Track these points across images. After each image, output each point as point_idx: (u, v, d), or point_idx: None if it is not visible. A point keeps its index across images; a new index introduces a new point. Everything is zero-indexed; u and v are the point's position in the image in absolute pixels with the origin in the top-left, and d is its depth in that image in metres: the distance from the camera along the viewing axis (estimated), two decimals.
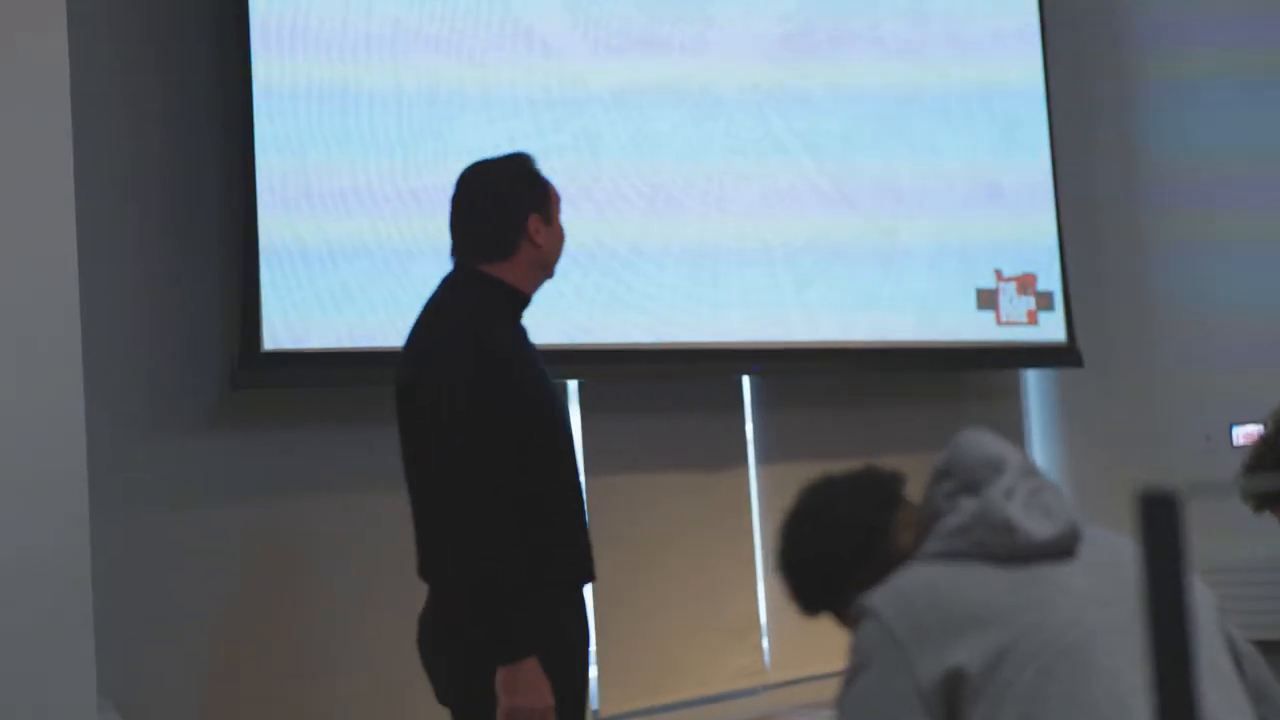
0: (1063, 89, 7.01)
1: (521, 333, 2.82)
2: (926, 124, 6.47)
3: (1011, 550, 1.78)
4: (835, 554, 1.96)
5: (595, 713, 5.57)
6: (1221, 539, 5.59)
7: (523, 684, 2.70)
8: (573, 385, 5.69)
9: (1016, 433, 7.17)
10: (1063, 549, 1.82)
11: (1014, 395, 7.20)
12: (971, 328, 6.53)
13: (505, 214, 2.81)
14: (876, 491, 2.02)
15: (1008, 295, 6.66)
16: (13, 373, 3.37)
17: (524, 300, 2.86)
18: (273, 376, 4.85)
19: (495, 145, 5.29)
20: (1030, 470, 1.89)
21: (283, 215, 4.87)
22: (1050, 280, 6.80)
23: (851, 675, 1.78)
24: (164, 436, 4.80)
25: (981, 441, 1.91)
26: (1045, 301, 6.78)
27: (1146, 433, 7.04)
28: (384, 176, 5.06)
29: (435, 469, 2.69)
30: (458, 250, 2.86)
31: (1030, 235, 6.77)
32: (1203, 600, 1.90)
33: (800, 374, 6.18)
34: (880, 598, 1.79)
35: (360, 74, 5.08)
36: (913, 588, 1.79)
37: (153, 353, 4.80)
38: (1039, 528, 1.80)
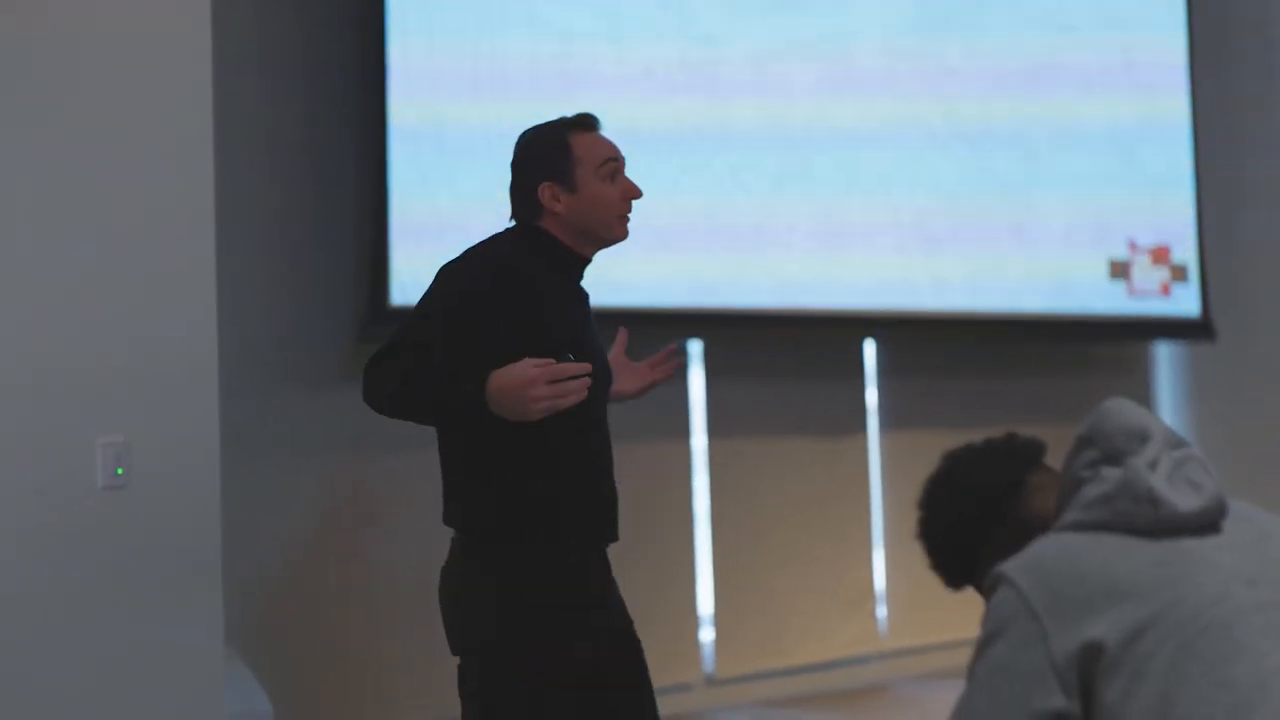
0: (1207, 57, 6.85)
1: (558, 281, 2.77)
2: (1066, 92, 6.36)
3: (1154, 522, 1.74)
4: (968, 515, 1.93)
5: (710, 674, 5.58)
6: None
7: (504, 391, 2.54)
8: (696, 346, 5.68)
9: (1145, 406, 7.03)
10: (1208, 523, 1.77)
11: (1143, 369, 7.07)
12: (1103, 299, 6.42)
13: (518, 183, 2.82)
14: (1013, 454, 1.98)
15: (1141, 266, 6.53)
16: (152, 325, 3.44)
17: (575, 258, 2.81)
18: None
19: (625, 80, 5.30)
20: (1176, 442, 1.84)
21: (414, 171, 4.90)
22: (1185, 252, 6.66)
23: (984, 644, 1.74)
24: (295, 387, 4.87)
25: (1125, 411, 1.86)
26: (1180, 274, 6.64)
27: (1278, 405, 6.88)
28: (513, 123, 5.08)
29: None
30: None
31: (1167, 206, 6.63)
32: None
33: (925, 342, 6.12)
34: (1017, 566, 1.76)
35: (495, 37, 5.10)
36: (1051, 557, 1.75)
37: (287, 306, 4.87)
38: (1184, 500, 1.76)
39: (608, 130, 2.91)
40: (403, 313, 4.86)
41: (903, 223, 5.92)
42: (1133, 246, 6.51)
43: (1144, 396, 7.05)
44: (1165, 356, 7.17)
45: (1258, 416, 6.90)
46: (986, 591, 1.80)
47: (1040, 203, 6.27)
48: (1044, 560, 1.76)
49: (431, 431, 2.77)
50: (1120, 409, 1.86)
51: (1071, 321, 6.33)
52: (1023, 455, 1.99)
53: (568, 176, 2.78)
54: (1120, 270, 6.47)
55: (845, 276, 5.78)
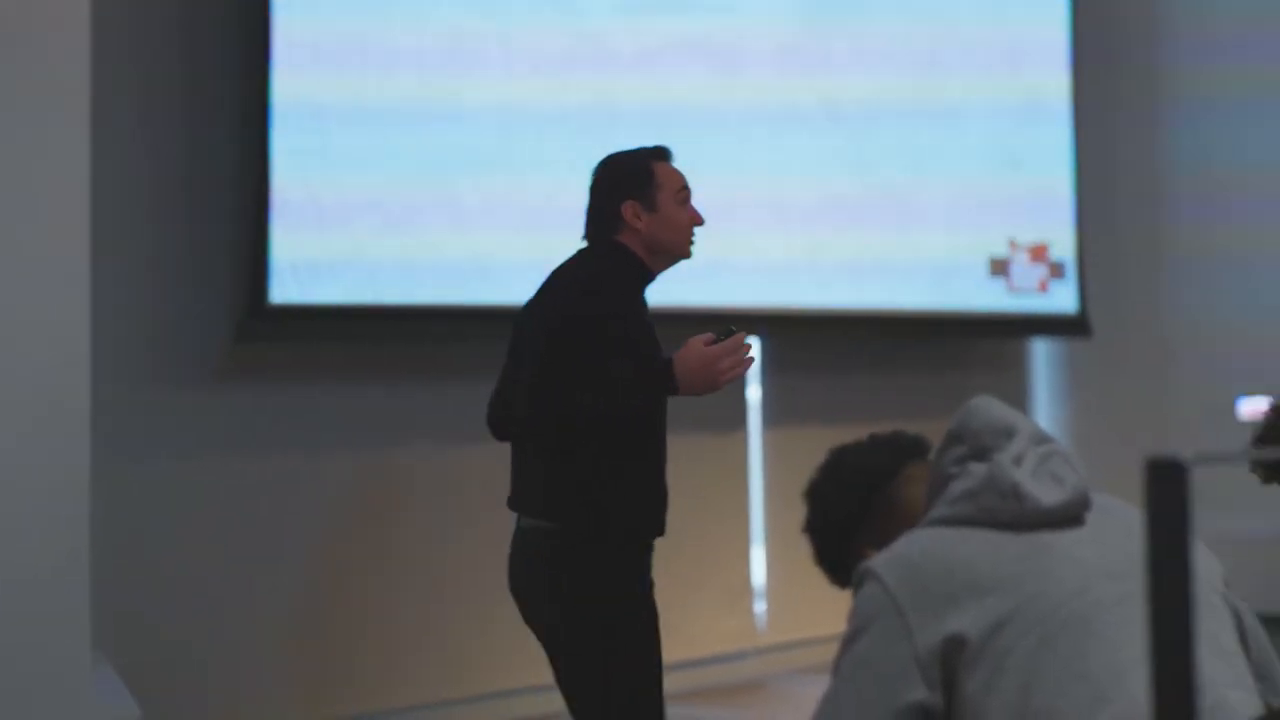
0: (1087, 58, 6.95)
1: (635, 296, 3.15)
2: (948, 91, 6.43)
3: (1018, 517, 1.76)
4: (846, 508, 1.94)
5: None
6: (1231, 510, 5.57)
7: (693, 371, 2.97)
8: None
9: (1021, 402, 7.14)
10: (1071, 517, 1.79)
11: (1021, 365, 7.18)
12: (983, 296, 6.50)
13: (599, 201, 3.22)
14: (894, 446, 2.00)
15: (1020, 264, 6.62)
16: (21, 325, 3.36)
17: (648, 274, 3.19)
18: (278, 330, 4.84)
19: (511, 103, 5.28)
20: (1041, 437, 1.86)
21: (296, 166, 4.84)
22: (1064, 249, 6.76)
23: (850, 639, 1.75)
24: (170, 388, 4.79)
25: (992, 408, 1.88)
26: (1058, 271, 6.74)
27: (1153, 404, 7.01)
28: (399, 135, 5.03)
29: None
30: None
31: (1046, 205, 6.72)
32: (1209, 572, 1.88)
33: (808, 338, 6.16)
34: (883, 561, 1.77)
35: (380, 28, 5.05)
36: (916, 552, 1.76)
37: (160, 306, 4.79)
38: (1047, 494, 1.78)
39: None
40: (282, 310, 4.80)
41: (787, 219, 5.95)
42: (1012, 244, 6.60)
43: (1022, 392, 7.16)
44: (1043, 353, 7.28)
45: (1132, 411, 7.03)
46: (854, 587, 1.81)
47: (922, 200, 6.34)
48: (910, 555, 1.77)
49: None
50: (987, 406, 1.88)
51: (952, 318, 6.40)
52: (904, 448, 2.01)
53: (650, 198, 3.18)
54: (1000, 268, 6.55)
55: (729, 272, 5.79)
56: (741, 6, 5.91)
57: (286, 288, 4.82)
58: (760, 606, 6.01)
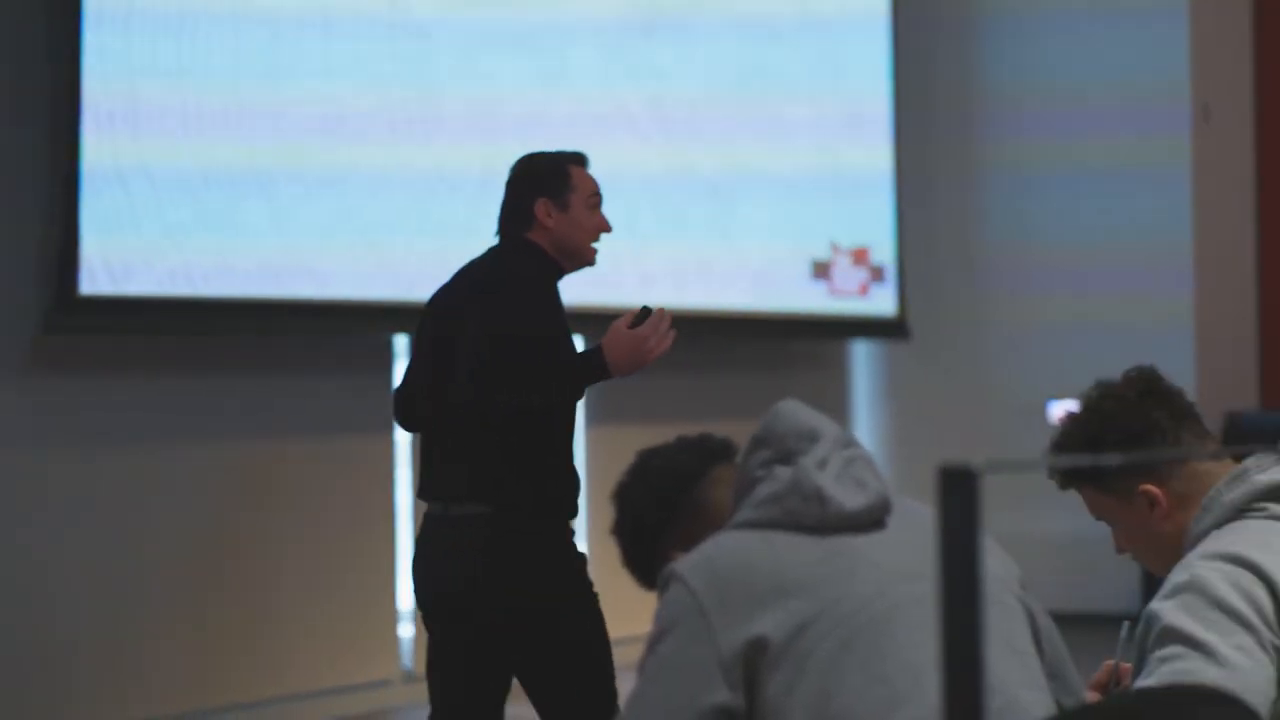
0: (909, 70, 7.08)
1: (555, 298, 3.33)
2: (771, 94, 6.50)
3: (821, 520, 1.78)
4: (649, 506, 1.95)
5: (409, 670, 5.53)
6: (1033, 510, 5.73)
7: (623, 352, 3.17)
8: (402, 341, 5.62)
9: (841, 403, 7.26)
10: (873, 520, 1.82)
11: (841, 366, 7.29)
12: (804, 298, 6.58)
13: (513, 198, 3.34)
14: (701, 448, 2.01)
15: (842, 267, 6.73)
16: None
17: (559, 271, 3.35)
18: (88, 322, 4.72)
19: (331, 100, 5.22)
20: (846, 441, 1.89)
21: (109, 153, 4.72)
22: (884, 254, 6.88)
23: (655, 641, 1.76)
24: None
25: (798, 412, 1.90)
26: (878, 274, 6.87)
27: (969, 406, 7.17)
28: (215, 110, 4.94)
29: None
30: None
31: (867, 209, 6.84)
32: (1005, 574, 1.92)
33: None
34: (688, 564, 1.78)
35: (195, 20, 4.94)
36: (720, 555, 1.78)
37: None
38: (850, 498, 1.81)
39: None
40: (92, 302, 4.68)
41: (610, 219, 5.95)
42: (834, 247, 6.70)
43: (841, 393, 7.27)
44: (863, 355, 7.40)
45: (949, 413, 7.18)
46: (659, 589, 1.82)
47: (745, 202, 6.40)
48: (714, 558, 1.79)
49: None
50: (793, 410, 1.90)
51: (774, 320, 6.48)
52: (711, 451, 2.02)
53: (563, 198, 3.29)
54: (822, 270, 6.65)
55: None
56: (568, 7, 5.90)
57: (97, 279, 4.69)
58: None
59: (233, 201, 4.99)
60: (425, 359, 3.32)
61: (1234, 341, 7.41)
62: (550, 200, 3.28)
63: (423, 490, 3.30)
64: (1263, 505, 2.09)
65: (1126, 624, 2.16)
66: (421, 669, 5.52)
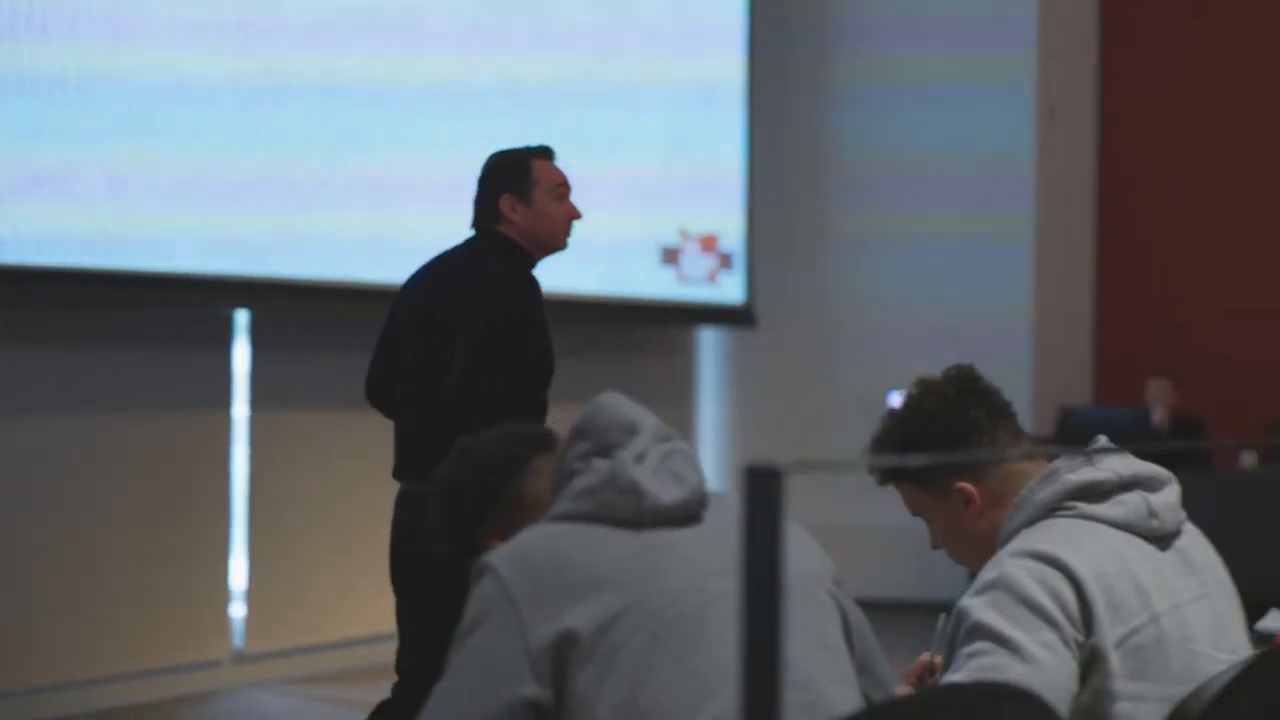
0: (763, 69, 7.11)
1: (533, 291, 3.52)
2: (624, 75, 6.48)
3: (637, 514, 1.78)
4: (468, 495, 1.94)
5: (239, 650, 5.45)
6: (854, 502, 5.81)
7: None
8: (243, 316, 5.53)
9: (687, 390, 7.29)
10: (689, 515, 1.82)
11: (689, 352, 7.33)
12: (653, 284, 6.60)
13: (482, 194, 3.53)
14: (522, 438, 2.00)
15: (691, 254, 6.75)
16: None
17: (531, 261, 3.54)
18: None
19: (174, 71, 5.09)
20: (665, 435, 1.89)
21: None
22: (733, 241, 6.92)
23: (465, 632, 1.75)
24: None
25: (618, 404, 1.89)
26: (726, 262, 6.90)
27: (814, 393, 7.25)
28: (54, 100, 4.81)
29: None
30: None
31: (718, 197, 6.87)
32: (819, 570, 1.94)
33: None
34: (500, 555, 1.77)
35: None
36: (534, 547, 1.77)
37: None
38: (667, 492, 1.81)
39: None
40: None
41: (463, 198, 5.91)
42: (683, 234, 6.72)
43: (689, 380, 7.31)
44: (710, 341, 7.44)
45: (793, 400, 7.26)
46: (472, 580, 1.81)
47: (594, 187, 6.37)
48: (528, 550, 1.78)
49: None
50: (612, 403, 1.89)
51: (622, 305, 6.48)
52: (533, 441, 2.01)
53: (526, 192, 3.47)
54: (671, 257, 6.67)
55: (402, 249, 5.73)
56: None
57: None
58: None
59: (67, 173, 4.86)
60: (397, 344, 3.49)
61: (1070, 340, 7.58)
62: (514, 195, 3.48)
63: (396, 470, 3.45)
64: (1072, 504, 2.13)
65: (943, 616, 2.19)
66: (252, 649, 5.49)
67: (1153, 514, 2.13)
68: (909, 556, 6.64)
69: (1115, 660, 2.02)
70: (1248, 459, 6.98)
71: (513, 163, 3.55)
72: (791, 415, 7.18)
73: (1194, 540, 2.21)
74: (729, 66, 6.93)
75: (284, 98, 5.37)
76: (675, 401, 7.18)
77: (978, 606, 2.03)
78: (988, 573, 2.07)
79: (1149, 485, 2.16)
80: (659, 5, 6.66)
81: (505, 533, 1.88)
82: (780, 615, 1.33)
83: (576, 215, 3.56)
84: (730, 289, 6.93)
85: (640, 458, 1.83)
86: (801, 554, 1.92)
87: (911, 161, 7.18)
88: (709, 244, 6.82)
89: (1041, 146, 7.16)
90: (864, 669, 1.95)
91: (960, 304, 7.07)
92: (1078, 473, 2.14)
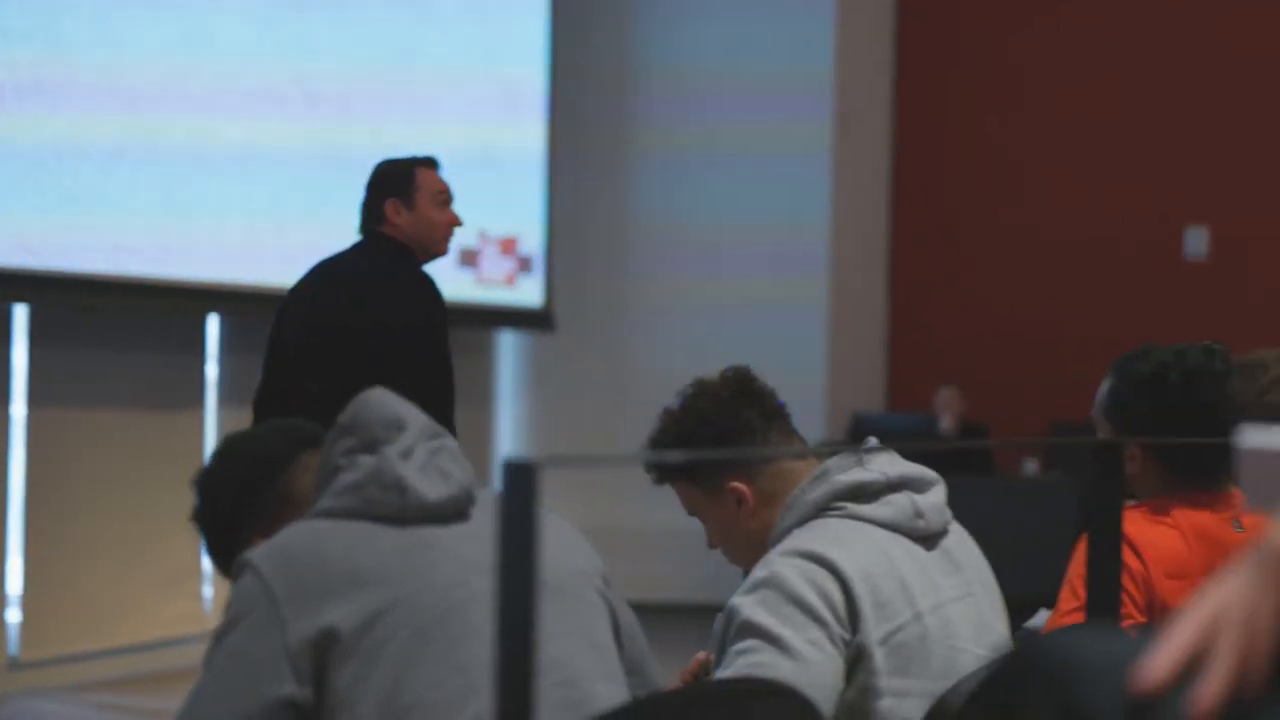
0: (564, 67, 7.12)
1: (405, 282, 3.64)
2: (424, 77, 6.44)
3: (402, 510, 1.77)
4: (231, 492, 1.90)
5: (14, 657, 5.28)
6: (634, 503, 5.86)
7: None
8: (22, 311, 5.36)
9: (487, 392, 7.27)
10: (456, 511, 1.81)
11: (488, 355, 7.30)
12: (451, 286, 6.53)
13: (369, 198, 3.73)
14: (288, 434, 1.97)
15: (490, 256, 6.73)
16: None
17: (412, 258, 3.69)
18: None
19: None
20: (433, 432, 1.87)
21: None
22: (532, 244, 6.91)
23: (223, 631, 1.71)
24: None
25: (384, 401, 1.87)
26: (526, 265, 6.89)
27: (612, 396, 7.27)
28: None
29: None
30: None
31: (517, 199, 6.85)
32: (589, 569, 1.94)
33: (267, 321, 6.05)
34: (262, 552, 1.74)
35: None
36: (296, 544, 1.74)
37: None
38: (433, 489, 1.79)
39: None
40: None
41: (252, 196, 5.82)
42: (483, 236, 6.69)
43: (487, 382, 7.28)
44: (509, 343, 7.43)
45: (593, 402, 7.28)
46: (233, 577, 1.77)
47: None
48: (289, 547, 1.75)
49: None
50: (379, 399, 1.87)
51: None
52: (300, 437, 1.98)
53: (409, 197, 3.68)
54: (470, 259, 6.63)
55: (192, 247, 5.62)
56: None
57: None
58: (208, 590, 5.86)
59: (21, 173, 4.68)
60: (286, 350, 3.57)
61: (863, 349, 7.73)
62: (398, 200, 3.69)
63: None
64: (842, 504, 2.17)
65: (720, 616, 2.21)
66: (28, 656, 5.31)
67: (919, 514, 2.18)
68: (692, 558, 6.70)
69: (880, 657, 2.06)
70: (1030, 465, 7.20)
71: (398, 170, 3.75)
72: (590, 418, 7.20)
73: (959, 540, 2.27)
74: (529, 68, 6.92)
75: (66, 91, 5.23)
76: (474, 404, 7.14)
77: (748, 605, 2.05)
78: (758, 572, 2.10)
79: (916, 486, 2.21)
80: (458, 6, 6.62)
81: (271, 530, 1.85)
82: (535, 610, 1.32)
83: (457, 222, 3.78)
84: (529, 292, 6.92)
85: (407, 454, 1.82)
86: (570, 552, 1.92)
87: (710, 162, 7.25)
88: (508, 247, 6.81)
89: (836, 159, 7.29)
90: (634, 669, 1.96)
91: (758, 310, 7.16)
92: (847, 474, 2.18)
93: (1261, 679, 0.81)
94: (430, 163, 3.80)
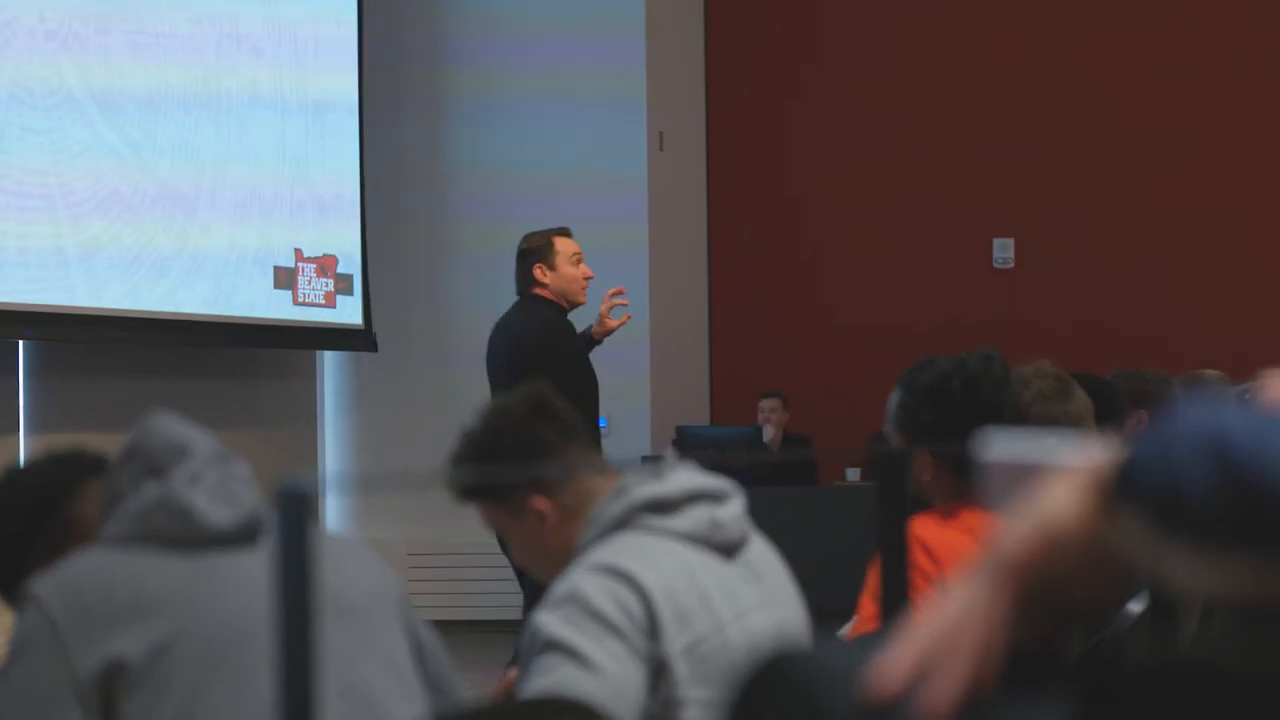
0: (376, 85, 7.06)
1: (555, 328, 4.82)
2: (239, 93, 6.33)
3: (188, 536, 1.74)
4: (14, 521, 1.86)
5: None
6: (440, 523, 5.84)
7: None
8: None
9: (310, 412, 7.18)
10: (246, 536, 1.80)
11: (309, 375, 7.21)
12: (267, 306, 6.46)
13: (520, 266, 4.88)
14: (70, 461, 1.93)
15: (307, 276, 6.65)
16: None
17: (563, 311, 4.85)
18: None
19: None
20: (221, 456, 1.85)
21: None
22: (351, 264, 6.85)
23: (6, 665, 1.68)
24: None
25: (169, 426, 1.85)
26: (345, 285, 6.83)
27: (435, 414, 7.22)
28: None
29: None
30: None
31: (334, 219, 6.78)
32: (384, 589, 1.94)
33: (83, 340, 5.91)
34: (46, 583, 1.71)
35: None
36: (80, 574, 1.71)
37: None
38: (220, 515, 1.77)
39: None
40: None
41: (59, 219, 5.68)
42: (299, 255, 6.61)
43: (310, 402, 7.19)
44: (331, 362, 7.35)
45: (418, 421, 7.22)
46: (17, 609, 1.74)
47: (206, 209, 6.22)
48: (73, 576, 1.72)
49: None
50: (164, 424, 1.85)
51: (236, 326, 6.33)
52: (84, 464, 1.94)
53: (550, 261, 4.80)
54: (286, 279, 6.55)
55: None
56: None
57: None
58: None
59: None
60: None
61: (686, 363, 7.80)
62: (543, 264, 4.80)
63: None
64: (641, 518, 2.19)
65: (524, 632, 2.22)
66: None
67: (717, 526, 2.21)
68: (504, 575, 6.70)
69: (682, 669, 2.08)
70: (852, 474, 7.32)
71: (540, 239, 4.86)
72: (416, 436, 7.15)
73: (760, 550, 2.30)
74: (342, 84, 6.85)
75: None
76: (297, 425, 7.06)
77: (549, 621, 2.06)
78: (560, 588, 2.11)
79: (714, 498, 2.23)
80: (269, 18, 6.52)
81: (57, 559, 1.81)
82: (315, 636, 1.31)
83: (589, 275, 4.87)
84: (349, 311, 6.85)
85: (194, 479, 1.79)
86: (365, 573, 1.91)
87: (527, 179, 7.25)
88: (326, 266, 6.74)
89: (652, 171, 7.34)
90: (436, 687, 1.96)
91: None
92: (645, 487, 2.20)
93: (990, 685, 0.84)
94: (564, 231, 4.91)
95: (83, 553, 1.76)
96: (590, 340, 4.99)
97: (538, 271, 4.80)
